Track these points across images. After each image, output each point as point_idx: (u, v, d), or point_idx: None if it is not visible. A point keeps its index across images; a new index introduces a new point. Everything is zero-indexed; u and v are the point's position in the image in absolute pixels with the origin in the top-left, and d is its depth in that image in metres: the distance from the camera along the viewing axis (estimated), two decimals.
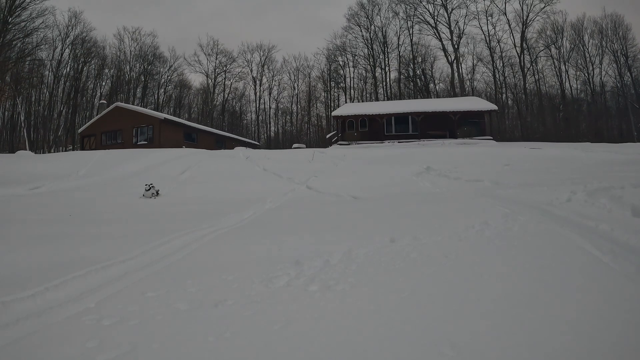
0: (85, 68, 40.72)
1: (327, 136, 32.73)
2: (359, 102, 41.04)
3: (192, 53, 56.79)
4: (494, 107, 24.47)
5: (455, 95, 37.29)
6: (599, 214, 3.61)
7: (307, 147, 27.50)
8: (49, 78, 38.29)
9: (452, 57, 40.58)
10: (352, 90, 45.95)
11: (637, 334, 1.53)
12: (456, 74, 40.46)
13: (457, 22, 40.90)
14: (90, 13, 62.09)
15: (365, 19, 44.05)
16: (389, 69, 44.18)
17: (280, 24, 65.67)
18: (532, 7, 38.82)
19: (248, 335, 1.67)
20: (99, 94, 42.31)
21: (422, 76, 42.83)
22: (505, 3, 39.87)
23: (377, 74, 44.21)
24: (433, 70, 43.32)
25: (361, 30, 44.17)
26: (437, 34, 41.49)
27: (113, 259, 2.96)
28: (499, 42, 40.08)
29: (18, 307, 2.05)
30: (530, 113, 37.96)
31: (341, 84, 46.34)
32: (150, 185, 8.18)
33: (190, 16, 63.65)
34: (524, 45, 39.08)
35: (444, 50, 41.16)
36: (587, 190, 4.80)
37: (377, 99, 42.44)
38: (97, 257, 3.05)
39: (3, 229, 4.48)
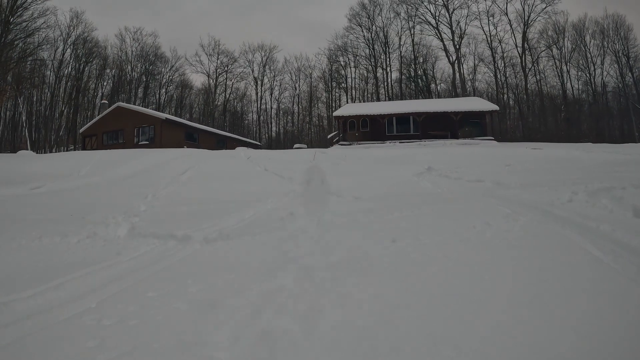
0: (86, 68, 40.97)
1: (329, 136, 32.75)
2: (360, 102, 41.06)
3: (193, 53, 56.87)
4: (495, 107, 24.43)
5: (456, 95, 37.29)
6: (600, 215, 3.59)
7: (308, 148, 27.47)
8: (51, 78, 38.55)
9: (454, 58, 40.61)
10: (353, 91, 46.02)
11: (638, 335, 1.52)
12: (457, 75, 40.48)
13: (459, 22, 40.97)
14: (91, 13, 62.35)
15: (366, 19, 44.16)
16: (390, 70, 44.27)
17: (281, 24, 65.71)
18: (533, 7, 38.87)
19: (248, 336, 1.67)
20: (101, 94, 42.46)
21: (424, 76, 42.84)
22: (507, 3, 39.94)
23: (378, 74, 44.28)
24: (434, 70, 43.40)
25: (362, 31, 44.27)
26: (438, 34, 41.53)
27: (113, 259, 2.97)
28: (500, 42, 40.12)
29: (18, 307, 2.05)
30: (531, 113, 37.94)
31: (342, 84, 46.39)
32: None
33: (191, 16, 63.77)
34: (526, 45, 39.06)
35: (446, 50, 41.20)
36: (588, 191, 4.77)
37: (378, 100, 42.46)
38: (97, 256, 3.05)
39: (2, 229, 4.48)
